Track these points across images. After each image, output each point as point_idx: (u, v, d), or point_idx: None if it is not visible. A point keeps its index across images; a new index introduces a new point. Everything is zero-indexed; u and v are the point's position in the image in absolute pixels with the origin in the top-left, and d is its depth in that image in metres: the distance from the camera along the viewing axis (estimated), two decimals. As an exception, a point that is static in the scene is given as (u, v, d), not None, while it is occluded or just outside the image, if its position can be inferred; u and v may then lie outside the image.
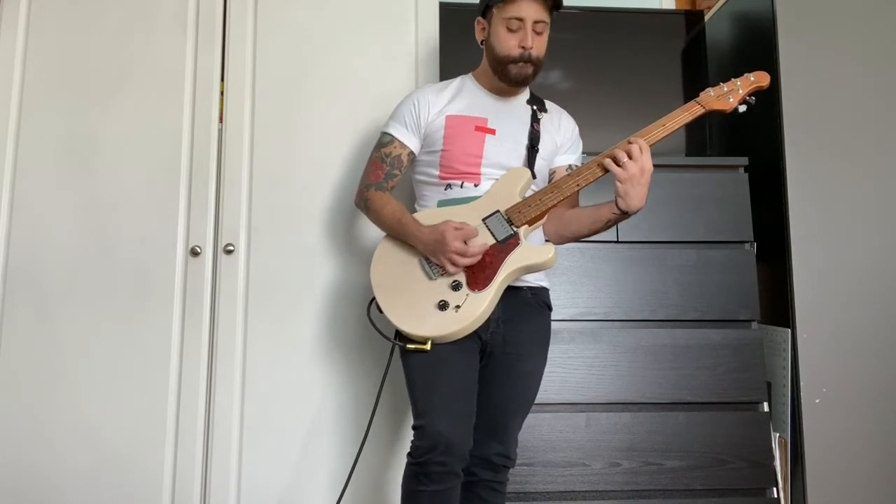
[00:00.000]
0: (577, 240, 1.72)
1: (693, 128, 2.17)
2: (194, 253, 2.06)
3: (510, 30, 1.62)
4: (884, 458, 1.91)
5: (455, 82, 1.76)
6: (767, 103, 2.04)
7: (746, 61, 2.22)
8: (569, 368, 1.91)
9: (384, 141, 1.72)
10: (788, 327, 1.95)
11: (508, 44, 1.62)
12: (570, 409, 1.90)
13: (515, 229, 1.59)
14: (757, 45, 2.13)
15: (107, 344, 2.03)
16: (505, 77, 1.65)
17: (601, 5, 2.30)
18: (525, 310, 1.65)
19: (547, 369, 1.86)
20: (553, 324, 1.81)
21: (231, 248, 2.07)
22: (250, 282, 2.07)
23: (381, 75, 2.15)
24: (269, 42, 2.16)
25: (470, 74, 1.77)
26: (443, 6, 2.18)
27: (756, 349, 1.94)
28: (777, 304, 2.00)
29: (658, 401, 1.91)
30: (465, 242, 1.55)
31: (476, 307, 1.54)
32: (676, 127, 1.58)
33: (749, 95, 1.62)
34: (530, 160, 1.67)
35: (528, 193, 1.64)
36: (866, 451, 1.91)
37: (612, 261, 1.97)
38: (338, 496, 1.74)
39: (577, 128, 1.80)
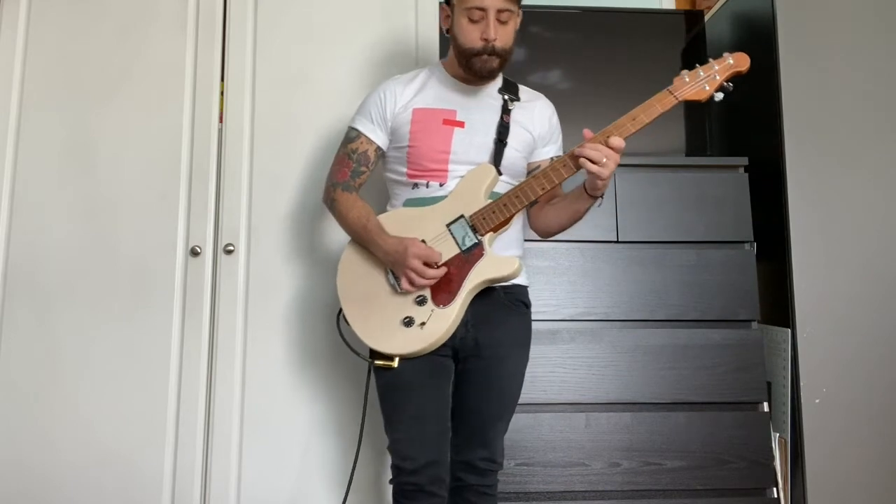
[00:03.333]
0: (562, 231, 1.67)
1: (693, 128, 2.17)
2: (194, 253, 2.06)
3: (472, 20, 1.53)
4: (884, 458, 1.91)
5: (423, 72, 1.69)
6: (767, 103, 2.04)
7: (746, 61, 2.22)
8: (569, 368, 1.91)
9: (350, 136, 1.66)
10: (788, 327, 1.95)
11: (470, 36, 1.54)
12: (570, 409, 1.90)
13: (480, 238, 1.53)
14: (757, 45, 2.13)
15: (107, 344, 2.03)
16: (469, 70, 1.58)
17: (601, 5, 2.30)
18: (498, 311, 1.59)
19: (547, 369, 1.87)
20: (553, 324, 1.81)
21: (231, 248, 2.07)
22: (250, 282, 2.07)
23: (382, 75, 2.15)
24: (269, 42, 2.16)
25: (439, 63, 1.70)
26: (443, 5, 2.18)
27: (756, 349, 1.94)
28: (777, 304, 2.00)
29: (658, 401, 1.91)
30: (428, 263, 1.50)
31: (441, 324, 1.50)
32: (649, 121, 1.49)
33: (727, 81, 1.51)
34: (497, 154, 1.59)
35: (499, 188, 1.58)
36: (866, 450, 1.90)
37: (612, 261, 1.97)
38: (339, 495, 1.74)
39: (555, 114, 1.72)
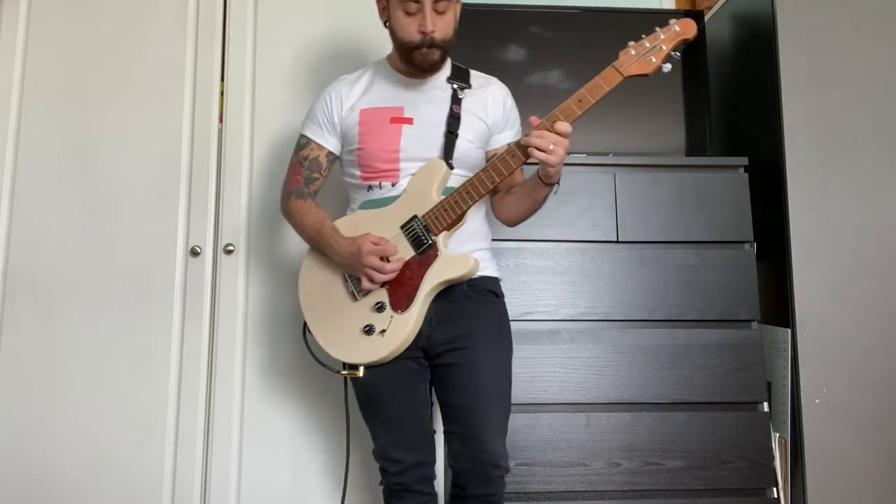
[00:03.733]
0: (524, 220, 1.64)
1: (693, 128, 2.17)
2: (194, 253, 2.06)
3: (408, 13, 1.49)
4: (884, 458, 1.90)
5: (369, 71, 1.64)
6: (767, 103, 2.04)
7: (746, 61, 2.22)
8: (569, 368, 1.91)
9: (301, 143, 1.63)
10: (788, 327, 1.95)
11: (408, 29, 1.50)
12: (570, 409, 1.90)
13: (434, 238, 1.49)
14: (757, 45, 2.13)
15: (107, 344, 2.03)
16: (410, 64, 1.53)
17: (601, 5, 2.30)
18: (463, 304, 1.53)
19: (547, 369, 1.86)
20: (553, 324, 1.81)
21: (231, 248, 2.07)
22: (250, 282, 2.07)
23: (381, 75, 2.15)
24: (269, 42, 2.17)
25: (385, 58, 1.65)
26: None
27: (756, 349, 1.94)
28: (777, 304, 2.00)
29: (658, 401, 1.91)
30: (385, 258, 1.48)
31: (402, 330, 1.48)
32: (595, 101, 1.44)
33: (674, 51, 1.44)
34: (448, 148, 1.54)
35: (453, 182, 1.53)
36: (866, 450, 1.90)
37: (612, 261, 1.97)
38: (338, 496, 1.74)
39: (508, 97, 1.66)
